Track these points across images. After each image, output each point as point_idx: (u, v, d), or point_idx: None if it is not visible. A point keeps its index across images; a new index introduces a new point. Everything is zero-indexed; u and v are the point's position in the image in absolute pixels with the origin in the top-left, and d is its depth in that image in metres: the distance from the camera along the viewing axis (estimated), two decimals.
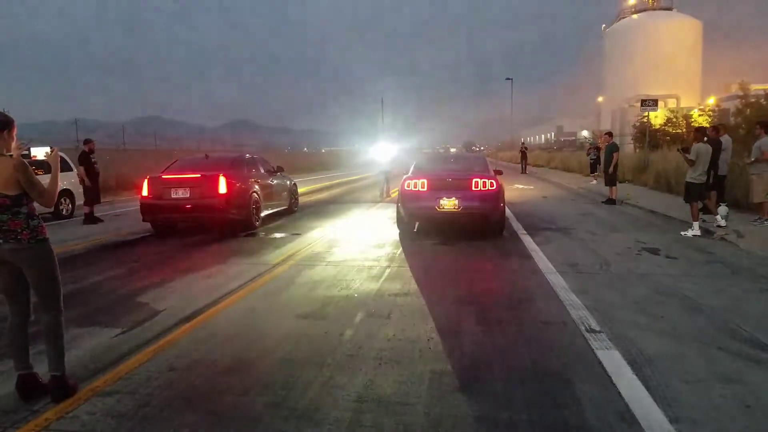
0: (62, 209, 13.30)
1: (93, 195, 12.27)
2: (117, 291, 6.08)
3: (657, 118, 29.16)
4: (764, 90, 18.50)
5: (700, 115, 28.13)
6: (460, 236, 9.23)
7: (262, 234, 9.97)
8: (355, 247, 8.54)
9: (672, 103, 49.84)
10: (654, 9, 69.49)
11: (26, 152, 3.76)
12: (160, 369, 3.77)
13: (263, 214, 11.10)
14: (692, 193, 9.16)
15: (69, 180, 13.66)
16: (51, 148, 3.78)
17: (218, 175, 9.81)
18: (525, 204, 14.44)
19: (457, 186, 9.10)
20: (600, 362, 3.74)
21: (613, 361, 3.76)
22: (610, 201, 13.79)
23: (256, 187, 10.81)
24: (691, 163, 9.10)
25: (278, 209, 12.31)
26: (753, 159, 9.42)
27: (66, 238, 9.99)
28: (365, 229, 10.31)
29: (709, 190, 10.28)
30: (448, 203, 8.85)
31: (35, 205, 3.36)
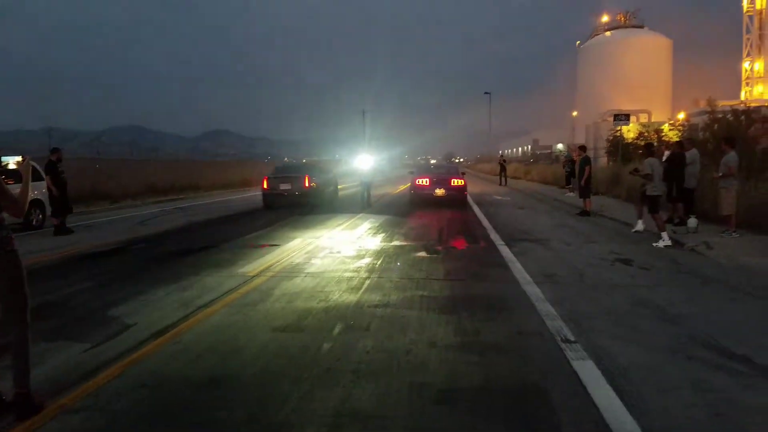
0: (32, 219, 12.95)
1: (61, 205, 11.91)
2: (87, 304, 5.94)
3: (629, 132, 29.79)
4: (731, 106, 19.07)
5: (670, 130, 28.79)
6: (440, 246, 9.28)
7: (240, 245, 9.86)
8: (334, 257, 8.51)
9: (644, 118, 50.98)
10: (626, 27, 71.29)
11: None
12: (130, 385, 3.69)
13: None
14: (656, 205, 9.64)
15: (40, 190, 13.35)
16: (22, 157, 3.71)
17: (306, 176, 17.31)
18: (502, 215, 14.57)
19: (443, 182, 16.82)
20: (575, 372, 3.78)
21: (588, 371, 3.79)
22: (585, 213, 13.99)
23: (316, 182, 17.87)
24: (650, 177, 9.67)
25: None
26: (720, 174, 9.69)
27: (35, 249, 9.75)
28: (345, 239, 10.28)
29: (675, 202, 11.04)
30: (439, 191, 16.60)
31: (4, 215, 3.28)
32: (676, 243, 9.20)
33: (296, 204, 16.81)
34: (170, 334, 4.75)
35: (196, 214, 16.28)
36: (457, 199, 16.74)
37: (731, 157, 9.64)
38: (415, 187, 17.16)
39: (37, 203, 13.14)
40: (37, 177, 13.36)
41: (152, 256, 8.99)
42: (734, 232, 9.52)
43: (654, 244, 9.24)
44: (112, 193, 21.95)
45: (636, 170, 10.37)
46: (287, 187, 17.07)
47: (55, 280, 7.14)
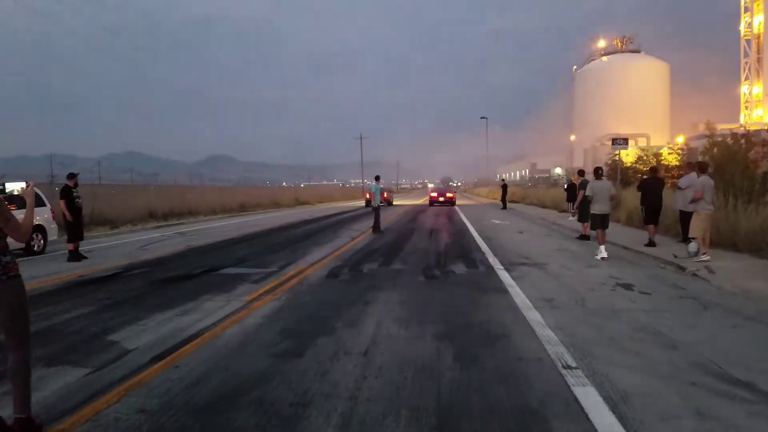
0: (34, 245, 12.98)
1: (75, 231, 11.86)
2: (87, 329, 5.92)
3: (628, 156, 29.96)
4: (730, 130, 19.20)
5: (669, 153, 28.95)
6: (439, 270, 9.28)
7: (239, 269, 9.86)
8: (334, 281, 8.50)
9: (642, 142, 51.35)
10: (623, 52, 72.22)
11: (1, 187, 3.75)
12: (129, 410, 3.66)
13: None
14: (596, 223, 11.06)
15: (42, 215, 13.43)
16: (26, 183, 3.75)
17: (384, 193, 30.77)
18: (501, 239, 14.57)
19: (443, 194, 38.28)
20: (576, 399, 3.75)
21: (589, 397, 3.77)
22: (584, 236, 14.01)
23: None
24: (591, 199, 11.05)
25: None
26: (690, 200, 9.86)
27: (37, 274, 9.75)
28: (346, 263, 10.27)
29: (648, 223, 12.13)
30: (441, 199, 37.58)
31: (8, 240, 3.30)
32: (678, 268, 9.19)
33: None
34: (169, 359, 4.73)
35: (195, 239, 16.29)
36: (449, 201, 37.63)
37: (699, 181, 9.80)
38: (429, 195, 39.45)
39: (38, 228, 13.19)
40: (39, 203, 13.44)
41: (152, 281, 8.97)
42: (704, 254, 9.49)
43: (596, 257, 10.53)
44: (113, 219, 22.01)
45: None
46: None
47: (55, 305, 7.12)
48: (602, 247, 10.66)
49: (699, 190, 9.68)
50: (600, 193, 11.00)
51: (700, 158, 19.98)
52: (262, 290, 7.79)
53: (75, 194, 11.85)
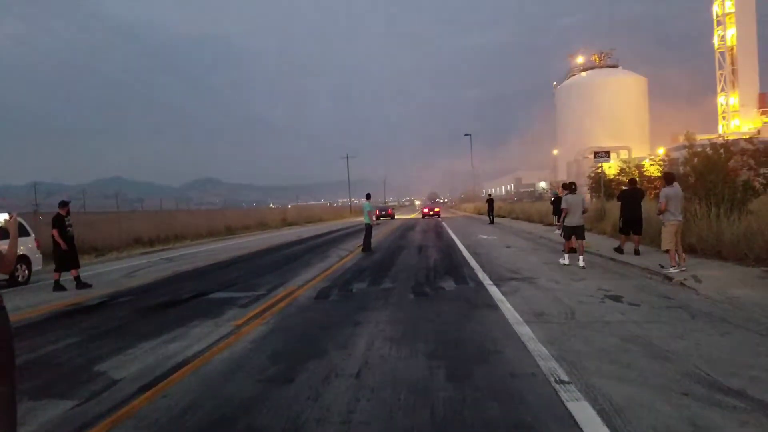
0: (18, 275, 12.78)
1: (68, 259, 11.67)
2: (73, 360, 5.81)
3: (611, 168, 30.32)
4: (709, 140, 19.54)
5: (651, 165, 29.35)
6: (429, 287, 9.26)
7: (227, 293, 9.76)
8: (323, 303, 8.45)
9: (624, 154, 52.02)
10: (601, 67, 73.50)
11: None
12: None
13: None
14: (568, 233, 11.99)
15: (26, 245, 13.26)
16: (10, 214, 3.70)
17: (388, 210, 55.21)
18: (489, 254, 14.61)
19: (432, 209, 54.58)
20: (570, 413, 3.74)
21: (583, 411, 3.76)
22: (572, 249, 14.07)
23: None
24: (566, 211, 11.75)
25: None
26: (658, 211, 10.08)
27: (22, 305, 9.59)
28: (335, 283, 10.21)
29: (622, 232, 13.07)
30: (431, 213, 53.16)
31: None
32: (665, 278, 9.27)
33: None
34: (158, 388, 4.65)
35: (181, 264, 16.14)
36: (436, 214, 52.31)
37: (663, 192, 9.96)
38: (422, 210, 56.92)
39: (22, 259, 13.01)
40: (23, 232, 13.27)
41: (139, 309, 8.85)
42: (673, 267, 9.58)
43: (560, 261, 11.86)
44: (98, 246, 21.75)
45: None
46: (384, 214, 50.75)
47: (40, 336, 6.99)
48: (566, 255, 11.90)
49: (662, 201, 9.83)
50: (575, 206, 11.68)
51: (681, 169, 20.34)
52: (250, 314, 7.72)
53: (67, 222, 11.70)
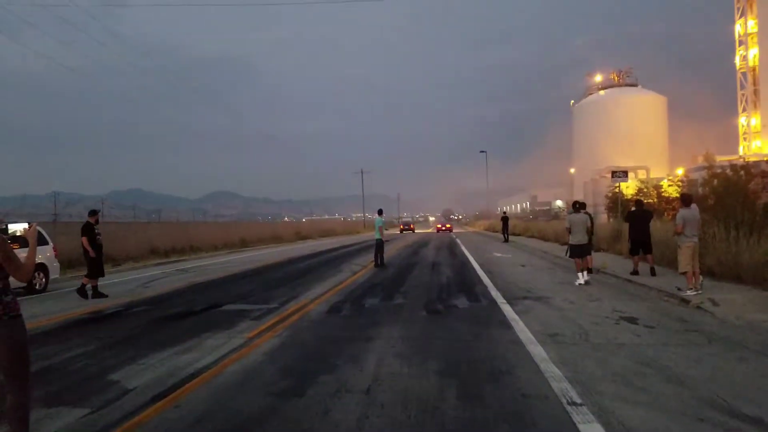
0: (35, 283, 12.97)
1: (96, 268, 11.81)
2: (87, 368, 5.87)
3: (628, 188, 30.05)
4: (729, 161, 19.33)
5: (669, 185, 29.05)
6: (441, 304, 9.22)
7: (241, 305, 9.80)
8: (335, 317, 8.46)
9: (642, 174, 51.54)
10: (620, 85, 73.11)
11: (4, 227, 3.78)
12: None
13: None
14: (573, 252, 11.89)
15: (44, 254, 13.46)
16: (29, 224, 3.79)
17: (411, 225, 73.52)
18: (503, 273, 14.52)
19: (444, 225, 67.94)
20: None
21: None
22: (587, 270, 13.94)
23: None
24: (569, 231, 11.99)
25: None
26: (674, 232, 9.92)
27: (38, 313, 9.72)
28: (347, 298, 10.22)
29: (633, 254, 12.97)
30: (443, 228, 64.17)
31: (10, 279, 3.31)
32: (682, 301, 9.13)
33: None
34: (170, 398, 4.68)
35: (196, 276, 16.27)
36: (448, 230, 62.14)
37: (680, 214, 9.80)
38: (436, 227, 68.97)
39: (40, 267, 13.20)
40: (41, 241, 13.49)
41: (153, 319, 8.93)
42: (690, 289, 9.42)
43: (576, 282, 11.52)
44: (114, 256, 22.01)
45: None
46: (407, 227, 70.39)
47: (55, 345, 7.08)
48: (580, 274, 11.66)
49: (679, 224, 9.72)
50: (577, 225, 11.88)
51: (700, 190, 20.12)
52: (263, 327, 7.75)
53: (96, 231, 11.82)
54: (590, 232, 14.08)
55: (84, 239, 11.59)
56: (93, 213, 12.05)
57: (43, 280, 13.36)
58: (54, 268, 14.01)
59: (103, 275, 12.11)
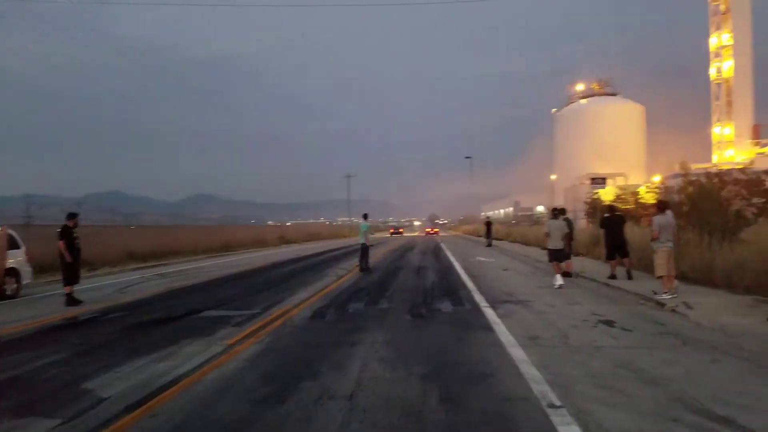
0: (7, 289, 12.57)
1: (72, 273, 11.42)
2: (59, 377, 5.74)
3: (607, 194, 30.49)
4: (703, 169, 19.72)
5: (647, 192, 29.51)
6: (425, 309, 9.24)
7: (220, 311, 9.71)
8: (319, 322, 8.42)
9: (620, 181, 52.28)
10: (600, 95, 74.24)
11: None
12: None
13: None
14: (552, 256, 12.45)
15: (16, 258, 13.09)
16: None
17: (400, 229, 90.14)
18: (486, 277, 14.61)
19: (432, 229, 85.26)
20: None
21: None
22: (566, 274, 14.09)
23: None
24: (547, 235, 12.53)
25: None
26: (651, 238, 10.13)
27: (9, 319, 9.51)
28: (331, 303, 10.17)
29: (609, 258, 13.30)
30: (432, 231, 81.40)
31: None
32: (657, 304, 9.27)
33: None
34: (146, 407, 4.60)
35: (175, 281, 16.06)
36: (434, 233, 77.16)
37: (656, 220, 10.02)
38: (425, 231, 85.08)
39: (12, 271, 12.82)
40: (13, 245, 13.14)
41: (130, 325, 8.78)
42: (666, 293, 9.58)
43: (554, 284, 11.90)
44: (91, 261, 21.63)
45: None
46: (397, 232, 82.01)
47: (27, 352, 6.90)
48: (558, 276, 12.13)
49: (654, 230, 9.89)
50: (554, 231, 12.44)
51: (675, 197, 20.50)
52: (244, 333, 7.67)
53: (75, 235, 11.48)
54: (570, 237, 14.35)
55: (61, 243, 11.24)
56: (72, 216, 11.70)
57: (15, 285, 12.98)
58: (27, 272, 13.65)
59: (77, 281, 11.80)
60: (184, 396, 4.93)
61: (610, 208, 14.82)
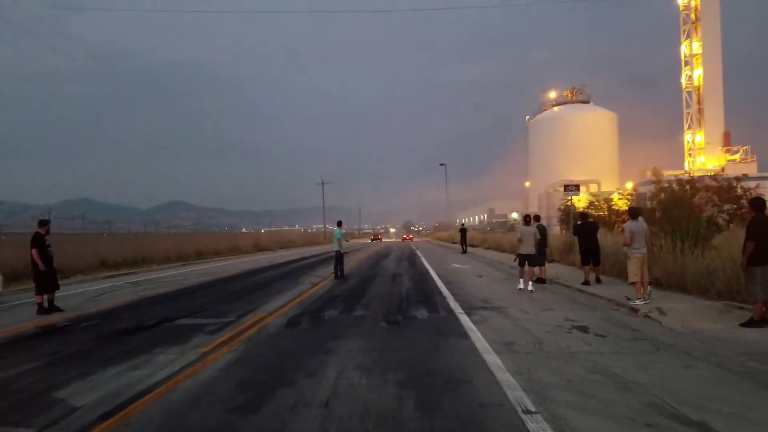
0: None
1: (48, 281, 11.14)
2: (31, 386, 5.61)
3: (580, 201, 30.96)
4: (675, 176, 20.18)
5: (619, 199, 30.06)
6: (401, 315, 9.25)
7: (195, 320, 9.58)
8: (294, 330, 8.36)
9: (594, 188, 53.19)
10: (573, 102, 75.46)
11: None
12: None
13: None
14: (521, 260, 12.98)
15: None
16: None
17: (379, 236, 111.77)
18: (461, 283, 14.69)
19: (407, 236, 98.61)
20: None
21: None
22: (540, 280, 14.26)
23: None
24: (520, 241, 13.14)
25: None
26: (623, 244, 10.33)
27: None
28: (306, 310, 10.11)
29: (584, 264, 13.49)
30: (406, 238, 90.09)
31: None
32: (631, 310, 9.43)
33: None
34: (120, 416, 4.52)
35: (148, 289, 15.80)
36: (409, 239, 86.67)
37: (628, 226, 10.24)
38: (401, 237, 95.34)
39: None
40: None
41: (103, 334, 8.61)
42: (639, 299, 9.79)
43: (518, 287, 12.72)
44: (62, 269, 21.14)
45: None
46: (377, 237, 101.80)
47: None
48: (521, 280, 12.93)
49: (627, 236, 10.10)
50: (527, 237, 13.03)
51: (648, 204, 20.93)
52: (218, 341, 7.58)
53: (47, 243, 11.20)
54: (545, 243, 14.62)
55: (34, 251, 10.97)
56: (43, 223, 11.44)
57: None
58: None
59: (57, 288, 11.52)
60: (158, 405, 4.85)
61: (583, 215, 15.13)
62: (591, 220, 14.87)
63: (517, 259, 13.29)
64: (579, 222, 14.56)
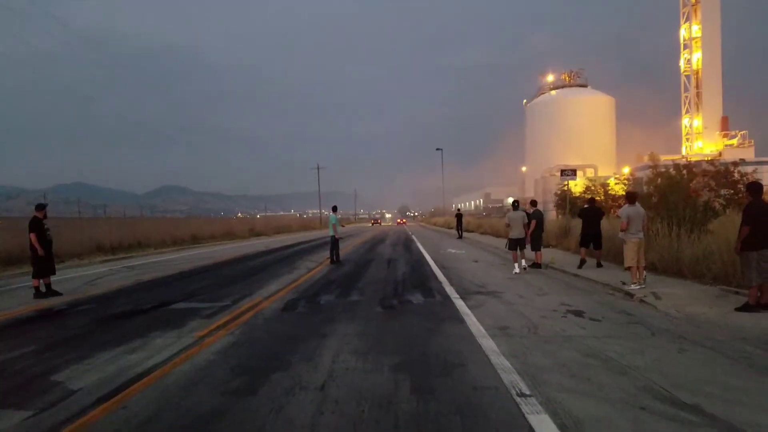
0: None
1: (46, 265, 11.17)
2: (28, 369, 5.63)
3: (576, 186, 31.02)
4: (672, 160, 20.19)
5: (616, 183, 30.11)
6: (396, 300, 9.28)
7: (190, 304, 9.59)
8: (290, 315, 8.38)
9: (590, 172, 53.24)
10: (570, 86, 75.13)
11: None
12: None
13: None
14: (511, 245, 13.59)
15: None
16: None
17: (378, 220, 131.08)
18: (457, 268, 14.73)
19: (401, 221, 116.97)
20: (531, 427, 3.79)
21: (543, 425, 3.82)
22: (536, 265, 14.31)
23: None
24: (508, 226, 13.72)
25: None
26: (620, 228, 10.30)
27: None
28: (302, 295, 10.14)
29: (582, 245, 13.86)
30: (401, 222, 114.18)
31: None
32: (626, 294, 9.48)
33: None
34: (117, 399, 4.55)
35: (144, 273, 15.81)
36: (403, 223, 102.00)
37: (624, 211, 10.26)
38: (397, 221, 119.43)
39: None
40: None
41: (99, 318, 8.62)
42: (634, 283, 9.84)
43: (514, 272, 13.10)
44: (58, 253, 21.11)
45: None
46: (373, 221, 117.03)
47: None
48: (516, 264, 13.34)
49: (624, 220, 10.12)
50: (515, 222, 13.55)
51: (644, 188, 20.94)
52: (214, 325, 7.60)
53: (45, 227, 11.15)
54: (541, 228, 14.73)
55: (32, 236, 10.93)
56: (40, 207, 11.36)
57: None
58: None
59: (54, 273, 11.52)
60: (154, 388, 4.87)
61: (591, 200, 15.53)
62: (597, 206, 15.15)
63: (508, 243, 13.79)
64: (586, 206, 14.80)
